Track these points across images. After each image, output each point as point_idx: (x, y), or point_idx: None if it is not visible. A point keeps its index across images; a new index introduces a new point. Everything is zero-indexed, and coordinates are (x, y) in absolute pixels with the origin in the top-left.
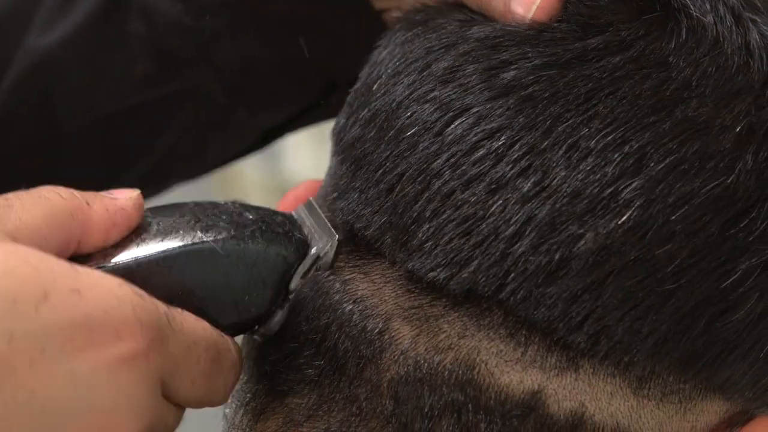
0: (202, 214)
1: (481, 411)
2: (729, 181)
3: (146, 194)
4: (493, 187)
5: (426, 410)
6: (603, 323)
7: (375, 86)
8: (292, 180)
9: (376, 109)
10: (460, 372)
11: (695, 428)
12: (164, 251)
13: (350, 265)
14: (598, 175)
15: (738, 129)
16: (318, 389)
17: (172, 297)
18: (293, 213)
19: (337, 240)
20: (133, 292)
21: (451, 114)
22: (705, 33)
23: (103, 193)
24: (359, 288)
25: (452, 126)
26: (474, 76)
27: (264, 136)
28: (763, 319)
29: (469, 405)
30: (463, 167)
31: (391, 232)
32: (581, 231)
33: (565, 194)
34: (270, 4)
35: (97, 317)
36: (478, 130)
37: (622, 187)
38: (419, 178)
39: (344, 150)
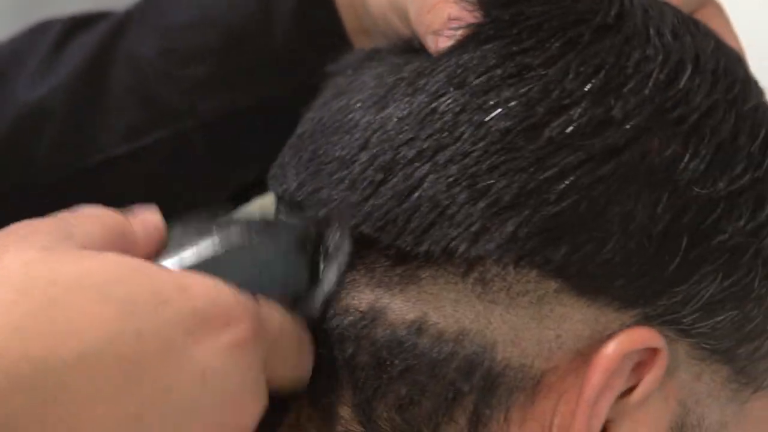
0: (206, 224)
1: (341, 340)
2: (525, 90)
3: None
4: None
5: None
6: (427, 220)
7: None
8: None
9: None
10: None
11: (561, 338)
12: (206, 257)
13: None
14: (419, 98)
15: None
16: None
17: None
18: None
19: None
20: (225, 285)
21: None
22: None
23: (130, 214)
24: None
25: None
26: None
27: (232, 198)
28: (591, 211)
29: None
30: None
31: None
32: (402, 142)
33: (390, 117)
34: (257, 49)
35: (208, 309)
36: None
37: (441, 99)
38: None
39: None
